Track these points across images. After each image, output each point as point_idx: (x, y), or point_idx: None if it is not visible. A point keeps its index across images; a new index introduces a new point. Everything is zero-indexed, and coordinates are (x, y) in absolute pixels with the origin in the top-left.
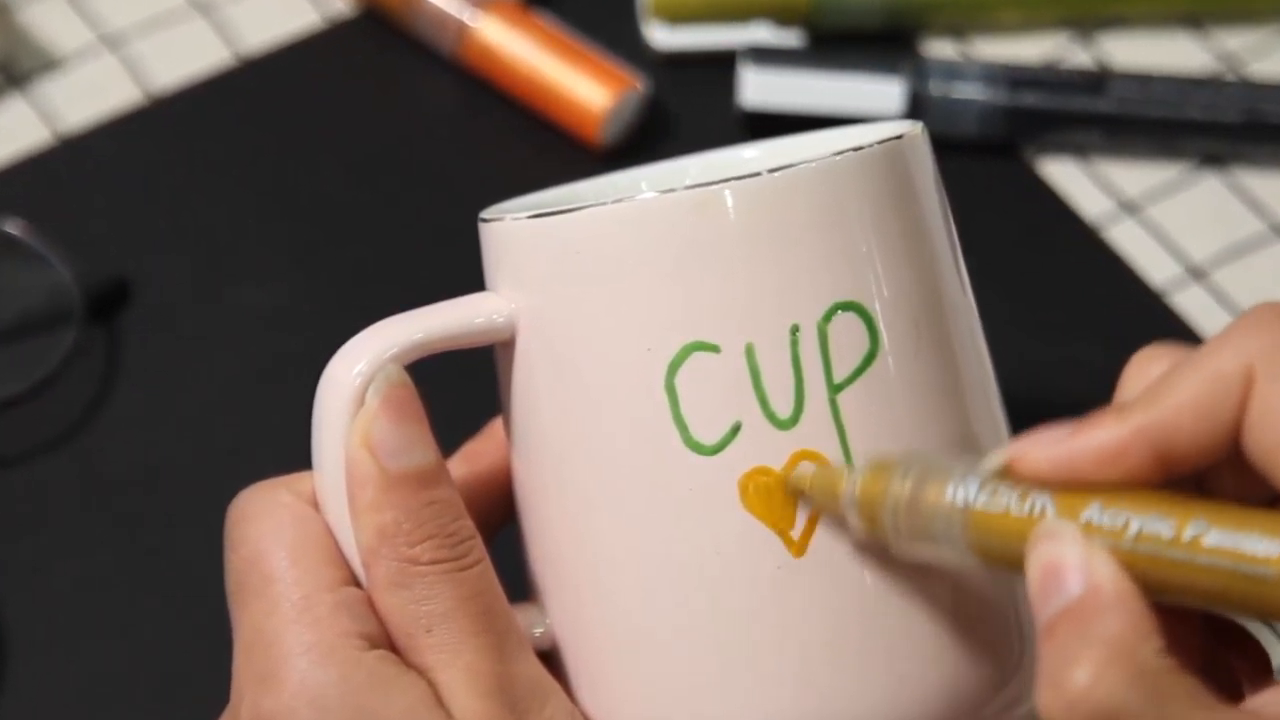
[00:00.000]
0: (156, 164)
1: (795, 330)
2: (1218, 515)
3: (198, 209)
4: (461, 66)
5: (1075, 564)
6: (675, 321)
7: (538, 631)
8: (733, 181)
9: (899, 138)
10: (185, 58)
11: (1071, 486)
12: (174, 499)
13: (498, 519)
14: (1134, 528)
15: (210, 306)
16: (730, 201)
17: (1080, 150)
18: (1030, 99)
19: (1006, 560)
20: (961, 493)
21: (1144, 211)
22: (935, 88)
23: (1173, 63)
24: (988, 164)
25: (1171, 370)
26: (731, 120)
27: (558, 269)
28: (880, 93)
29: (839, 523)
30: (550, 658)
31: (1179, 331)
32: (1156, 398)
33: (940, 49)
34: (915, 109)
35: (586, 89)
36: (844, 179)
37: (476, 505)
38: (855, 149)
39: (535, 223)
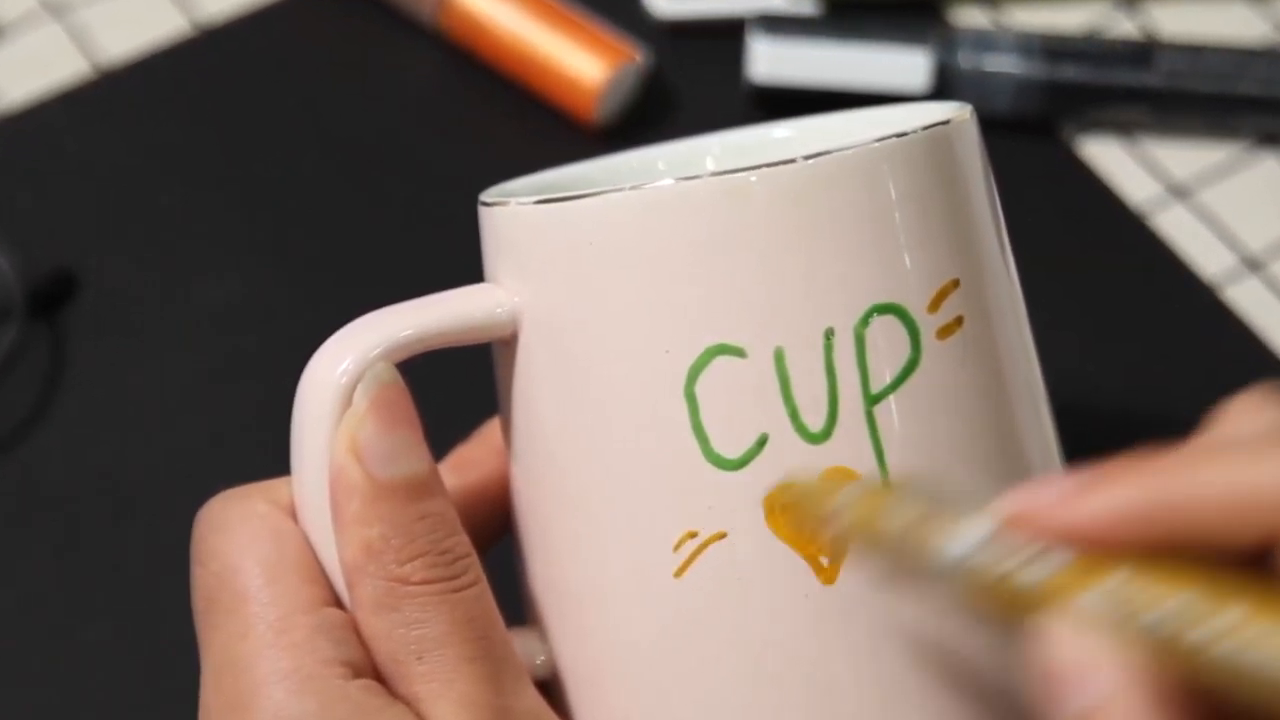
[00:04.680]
0: (106, 144)
1: (830, 334)
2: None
3: (151, 194)
4: (443, 37)
5: (1085, 665)
6: (697, 322)
7: (537, 661)
8: (764, 168)
9: (946, 123)
10: (137, 26)
11: (1089, 549)
12: (124, 512)
13: (489, 535)
14: (1162, 611)
15: (165, 301)
16: (762, 190)
17: (1125, 129)
18: (1070, 72)
19: (1010, 623)
20: (960, 545)
21: (1195, 196)
22: (965, 60)
23: (1226, 32)
24: (1023, 144)
25: (1246, 439)
26: (740, 96)
27: (568, 260)
28: (904, 65)
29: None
30: (550, 690)
31: (1233, 328)
32: (1200, 467)
33: (970, 17)
34: (943, 83)
35: (580, 61)
36: (887, 168)
37: (466, 519)
38: (899, 135)
39: (545, 209)
